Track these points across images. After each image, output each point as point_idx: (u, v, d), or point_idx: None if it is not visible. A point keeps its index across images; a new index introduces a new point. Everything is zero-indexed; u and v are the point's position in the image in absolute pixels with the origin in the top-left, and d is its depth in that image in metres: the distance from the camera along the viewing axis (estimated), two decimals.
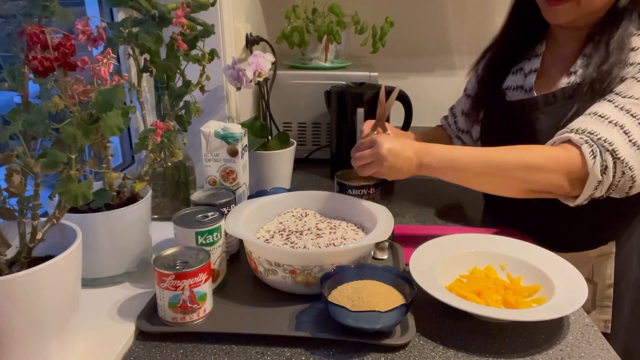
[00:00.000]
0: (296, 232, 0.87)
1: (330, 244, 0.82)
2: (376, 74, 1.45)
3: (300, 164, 1.42)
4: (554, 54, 1.08)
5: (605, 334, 0.84)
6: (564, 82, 0.99)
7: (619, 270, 1.03)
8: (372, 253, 0.92)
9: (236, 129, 0.95)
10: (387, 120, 1.10)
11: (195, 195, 0.90)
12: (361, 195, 0.99)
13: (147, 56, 0.96)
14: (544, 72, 1.07)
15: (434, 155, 0.90)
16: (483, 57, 1.18)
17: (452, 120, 1.31)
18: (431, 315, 0.77)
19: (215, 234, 0.79)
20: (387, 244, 0.95)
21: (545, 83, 1.05)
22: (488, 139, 1.16)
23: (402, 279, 0.76)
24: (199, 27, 1.00)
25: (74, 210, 0.72)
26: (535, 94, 1.03)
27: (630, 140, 0.85)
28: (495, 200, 0.99)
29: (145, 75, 0.99)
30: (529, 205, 0.94)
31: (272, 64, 1.19)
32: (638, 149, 0.85)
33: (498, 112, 1.13)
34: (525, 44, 1.12)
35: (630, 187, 0.87)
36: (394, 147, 0.88)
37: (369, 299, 0.71)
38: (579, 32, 1.01)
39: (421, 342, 0.72)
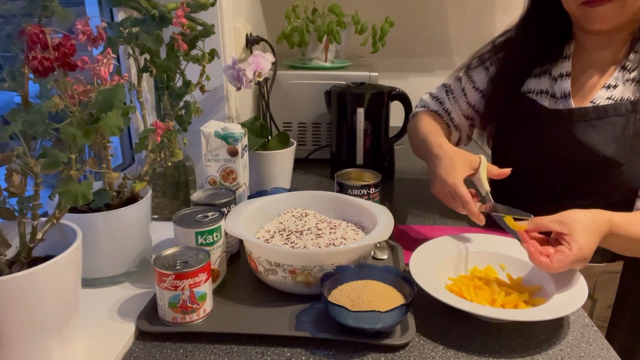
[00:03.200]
0: (296, 232, 0.87)
1: (330, 244, 0.82)
2: (376, 74, 1.45)
3: (300, 164, 1.42)
4: (583, 58, 1.00)
5: None
6: (604, 95, 0.94)
7: (623, 289, 1.00)
8: (372, 253, 0.92)
9: (236, 129, 0.95)
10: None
11: (195, 195, 0.90)
12: (361, 195, 0.99)
13: (147, 56, 0.96)
14: (574, 78, 1.00)
15: (615, 238, 0.84)
16: (494, 53, 1.10)
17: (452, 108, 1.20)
18: (431, 315, 0.77)
19: (215, 234, 0.79)
20: (387, 244, 0.95)
21: (578, 91, 0.99)
22: (511, 146, 1.08)
23: (402, 279, 0.76)
24: (199, 27, 1.00)
25: (74, 210, 0.72)
26: (572, 102, 0.97)
27: None
28: (502, 203, 0.94)
29: (145, 75, 0.99)
30: (537, 210, 0.89)
31: (272, 64, 1.19)
32: None
33: (524, 117, 1.04)
34: (547, 44, 1.03)
35: None
36: (590, 254, 0.79)
37: (369, 299, 0.71)
38: (612, 37, 0.95)
39: (421, 342, 0.72)
